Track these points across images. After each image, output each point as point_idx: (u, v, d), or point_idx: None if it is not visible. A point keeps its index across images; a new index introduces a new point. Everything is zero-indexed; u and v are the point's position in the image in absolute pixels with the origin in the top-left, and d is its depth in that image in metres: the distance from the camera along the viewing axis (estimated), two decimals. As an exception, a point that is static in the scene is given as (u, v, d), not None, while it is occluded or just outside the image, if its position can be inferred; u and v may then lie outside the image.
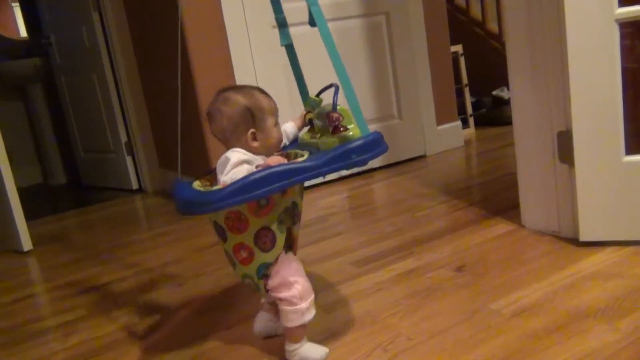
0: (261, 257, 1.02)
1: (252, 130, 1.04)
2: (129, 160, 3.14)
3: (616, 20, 1.29)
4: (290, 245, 1.09)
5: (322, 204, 2.29)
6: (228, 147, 1.05)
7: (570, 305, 1.17)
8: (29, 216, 2.31)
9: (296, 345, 1.07)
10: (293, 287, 1.03)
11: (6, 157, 2.19)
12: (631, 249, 1.38)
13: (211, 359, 1.19)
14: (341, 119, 1.03)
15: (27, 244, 2.24)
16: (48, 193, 3.77)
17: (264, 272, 1.04)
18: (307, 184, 1.20)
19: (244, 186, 0.90)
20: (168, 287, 1.63)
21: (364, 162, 0.95)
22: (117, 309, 1.52)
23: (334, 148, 0.97)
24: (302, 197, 1.11)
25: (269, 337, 1.21)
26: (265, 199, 0.98)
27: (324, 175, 0.96)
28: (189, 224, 2.27)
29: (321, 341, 1.16)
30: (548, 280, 1.29)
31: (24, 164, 3.87)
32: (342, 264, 1.58)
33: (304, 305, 1.03)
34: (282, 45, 1.20)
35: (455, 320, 1.17)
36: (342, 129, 1.03)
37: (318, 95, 1.18)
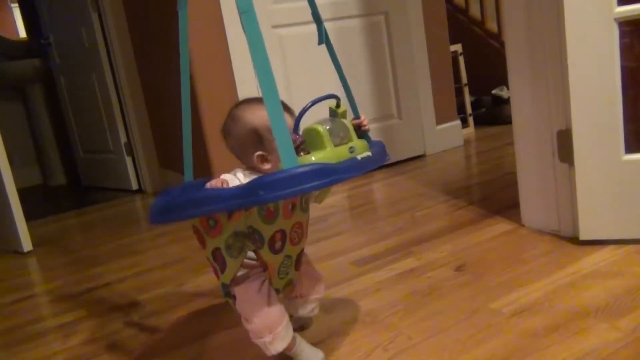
0: (221, 277, 0.99)
1: (257, 153, 0.97)
2: (128, 160, 3.14)
3: (615, 19, 1.29)
4: (265, 268, 1.00)
5: (322, 204, 2.28)
6: (244, 165, 1.02)
7: (570, 304, 1.17)
8: (28, 217, 2.31)
9: (290, 353, 1.04)
10: (252, 321, 0.97)
11: (6, 157, 2.19)
12: (631, 247, 1.38)
13: (211, 359, 1.18)
14: (299, 141, 0.93)
15: (27, 244, 2.24)
16: (48, 194, 3.78)
17: (227, 290, 1.00)
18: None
19: (173, 207, 0.90)
20: (168, 288, 1.63)
21: (276, 199, 0.83)
22: (117, 310, 1.52)
23: (253, 179, 0.85)
24: (276, 221, 0.97)
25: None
26: (212, 219, 0.94)
27: (232, 209, 0.88)
28: (189, 224, 2.26)
29: (321, 341, 1.16)
30: (548, 279, 1.29)
31: (23, 165, 3.87)
32: (342, 264, 1.58)
33: (266, 339, 0.97)
34: (319, 45, 1.05)
35: (456, 320, 1.17)
36: (302, 153, 0.93)
37: (336, 106, 1.04)
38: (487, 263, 1.45)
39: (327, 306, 1.32)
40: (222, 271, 0.98)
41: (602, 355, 0.98)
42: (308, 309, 1.12)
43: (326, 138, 0.93)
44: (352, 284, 1.44)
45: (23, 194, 2.37)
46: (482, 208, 1.88)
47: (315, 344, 1.15)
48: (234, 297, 1.00)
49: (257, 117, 0.97)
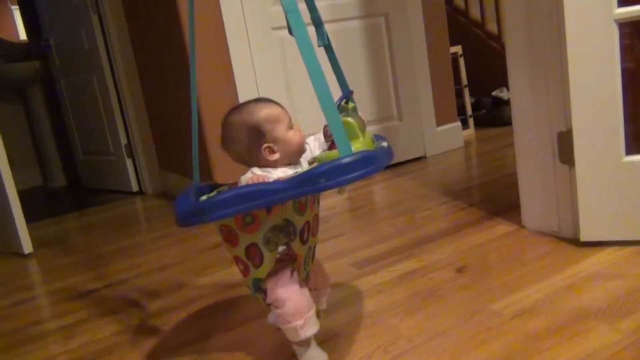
0: (254, 272, 1.02)
1: (265, 145, 1.00)
2: (128, 162, 3.14)
3: (615, 21, 1.29)
4: (294, 260, 1.05)
5: (322, 205, 2.27)
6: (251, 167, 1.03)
7: (570, 305, 1.17)
8: (29, 219, 2.31)
9: (300, 350, 1.06)
10: (285, 305, 1.01)
11: (6, 159, 2.19)
12: (632, 249, 1.38)
13: (212, 361, 1.19)
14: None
15: (27, 246, 2.24)
16: (48, 195, 3.78)
17: (259, 285, 1.03)
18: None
19: (209, 206, 0.91)
20: (168, 289, 1.63)
21: (338, 185, 0.86)
22: (118, 312, 1.52)
23: (306, 170, 0.89)
24: (306, 213, 1.04)
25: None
26: (249, 216, 0.97)
27: (294, 198, 0.90)
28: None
29: (322, 342, 1.16)
30: (549, 280, 1.29)
31: (24, 167, 3.88)
32: (343, 265, 1.58)
33: (297, 322, 1.01)
34: (319, 46, 1.06)
35: (456, 321, 1.17)
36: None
37: (345, 102, 1.08)
38: (488, 264, 1.45)
39: (328, 308, 1.32)
40: (258, 266, 1.01)
41: (603, 357, 0.98)
42: (321, 302, 1.17)
43: (358, 129, 0.97)
44: (353, 286, 1.43)
45: (23, 195, 2.37)
46: (482, 209, 1.88)
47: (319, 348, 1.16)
48: (264, 292, 1.03)
49: (252, 115, 1.01)
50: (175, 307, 1.49)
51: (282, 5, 0.85)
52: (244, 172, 0.99)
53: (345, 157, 0.85)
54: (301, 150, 1.05)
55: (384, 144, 1.01)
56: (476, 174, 2.57)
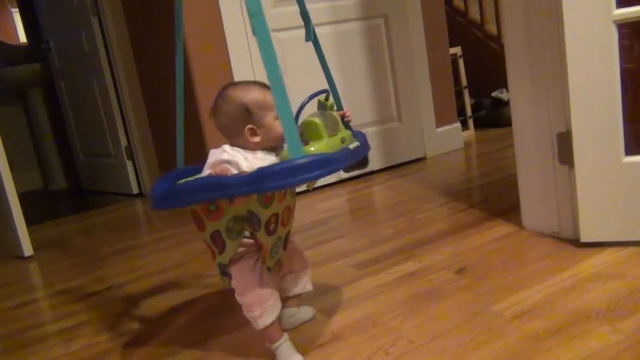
0: (218, 257, 1.08)
1: (249, 126, 1.04)
2: (129, 164, 3.14)
3: (614, 22, 1.29)
4: (259, 249, 1.09)
5: (322, 206, 2.28)
6: (231, 144, 1.07)
7: (571, 306, 1.17)
8: (29, 221, 2.31)
9: (272, 346, 1.10)
10: (244, 294, 1.07)
11: (6, 162, 2.19)
12: (632, 249, 1.37)
13: (212, 363, 1.19)
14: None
15: (27, 249, 2.24)
16: (48, 198, 3.78)
17: (224, 270, 1.10)
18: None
19: (174, 192, 1.00)
20: (169, 292, 1.63)
21: (284, 187, 0.91)
22: (118, 314, 1.52)
23: (257, 169, 0.92)
24: (272, 205, 1.06)
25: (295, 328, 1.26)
26: (214, 204, 1.02)
27: (243, 195, 0.95)
28: (190, 228, 2.26)
29: (322, 344, 1.16)
30: (549, 281, 1.29)
31: (24, 169, 3.88)
32: (343, 267, 1.58)
33: (256, 312, 1.06)
34: (306, 42, 1.15)
35: (457, 323, 1.17)
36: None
37: (325, 99, 1.11)
38: (488, 265, 1.45)
39: (328, 309, 1.32)
40: (221, 252, 1.07)
41: (604, 357, 0.98)
42: (301, 285, 1.22)
43: (322, 129, 1.01)
44: (353, 287, 1.43)
45: (23, 198, 2.37)
46: (482, 210, 1.88)
47: (316, 347, 1.16)
48: (229, 276, 1.10)
49: (246, 94, 1.06)
50: (175, 309, 1.49)
51: (247, 8, 0.87)
52: (218, 146, 1.05)
53: (292, 160, 0.87)
54: (282, 141, 1.06)
55: (353, 144, 1.04)
56: (476, 175, 2.57)
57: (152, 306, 1.54)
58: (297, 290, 1.23)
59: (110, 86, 3.04)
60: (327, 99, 1.10)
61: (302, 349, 1.13)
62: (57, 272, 2.01)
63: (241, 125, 1.05)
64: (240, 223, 1.05)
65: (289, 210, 1.14)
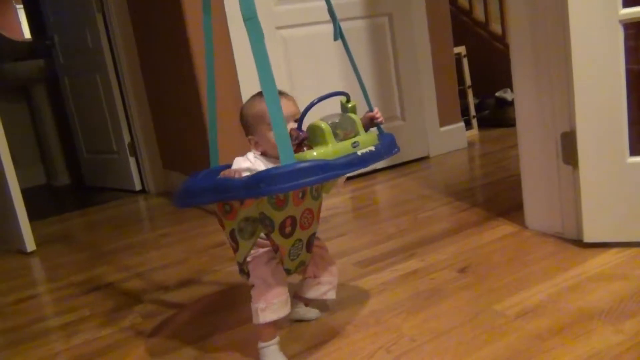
0: (235, 256, 1.11)
1: (249, 137, 1.12)
2: (132, 161, 3.14)
3: (620, 21, 1.28)
4: (276, 250, 1.08)
5: (325, 204, 2.26)
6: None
7: (574, 306, 1.16)
8: (32, 217, 2.31)
9: (261, 344, 1.10)
10: (255, 287, 1.08)
11: (10, 157, 2.19)
12: (635, 250, 1.37)
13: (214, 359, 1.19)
14: (303, 137, 0.98)
15: (30, 244, 2.25)
16: (51, 194, 3.78)
17: (241, 268, 1.12)
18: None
19: (191, 193, 1.05)
20: (171, 288, 1.63)
21: (276, 192, 0.91)
22: (120, 310, 1.52)
23: (253, 174, 0.93)
24: (286, 208, 1.05)
25: (296, 321, 1.27)
26: (228, 205, 1.05)
27: (240, 198, 0.98)
28: (192, 224, 2.28)
29: (324, 341, 1.16)
30: (552, 281, 1.29)
31: (27, 165, 3.88)
32: (346, 265, 1.58)
33: (259, 305, 1.06)
34: (334, 41, 1.17)
35: (459, 322, 1.17)
36: (305, 148, 0.98)
37: (347, 101, 1.09)
38: (491, 265, 1.45)
39: (331, 307, 1.32)
40: (236, 251, 1.10)
41: (606, 358, 0.97)
42: (321, 291, 1.22)
43: (328, 134, 0.98)
44: (355, 285, 1.43)
45: (27, 193, 2.38)
46: (485, 210, 1.88)
47: (318, 344, 1.16)
48: (247, 274, 1.11)
49: (250, 108, 1.11)
50: (177, 305, 1.50)
51: (241, 13, 0.88)
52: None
53: (282, 166, 0.88)
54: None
55: (364, 150, 1.00)
56: (479, 174, 2.57)
57: (155, 302, 1.55)
58: (314, 294, 1.22)
59: (113, 82, 3.04)
60: (348, 100, 1.08)
61: (303, 346, 1.13)
62: (60, 268, 2.02)
63: (247, 135, 1.13)
64: (252, 224, 1.06)
65: (311, 213, 1.12)
